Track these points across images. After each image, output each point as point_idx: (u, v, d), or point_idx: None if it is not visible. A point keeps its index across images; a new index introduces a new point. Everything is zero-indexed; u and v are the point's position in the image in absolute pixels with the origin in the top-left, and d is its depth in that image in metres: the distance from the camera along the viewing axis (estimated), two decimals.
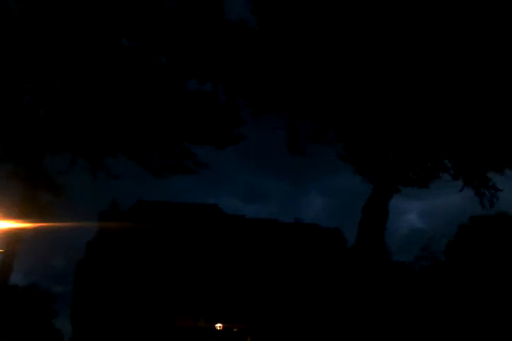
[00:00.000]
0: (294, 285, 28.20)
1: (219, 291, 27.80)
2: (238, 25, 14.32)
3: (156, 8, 14.52)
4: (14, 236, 15.64)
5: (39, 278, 43.86)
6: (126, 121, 15.69)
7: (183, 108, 15.90)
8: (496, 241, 33.14)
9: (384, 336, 15.77)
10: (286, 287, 28.21)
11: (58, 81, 15.76)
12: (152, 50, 15.12)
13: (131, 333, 26.12)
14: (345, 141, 15.77)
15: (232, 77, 14.92)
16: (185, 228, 28.84)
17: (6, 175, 17.20)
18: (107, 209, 29.38)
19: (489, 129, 13.98)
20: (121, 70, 15.09)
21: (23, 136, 15.61)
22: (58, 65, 14.92)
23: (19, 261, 17.92)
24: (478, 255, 32.98)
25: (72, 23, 14.10)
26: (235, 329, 29.36)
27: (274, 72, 14.20)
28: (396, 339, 21.33)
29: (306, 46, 13.59)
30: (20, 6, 14.42)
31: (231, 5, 15.33)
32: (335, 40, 13.18)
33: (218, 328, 28.22)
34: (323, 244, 30.78)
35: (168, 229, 28.54)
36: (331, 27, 13.22)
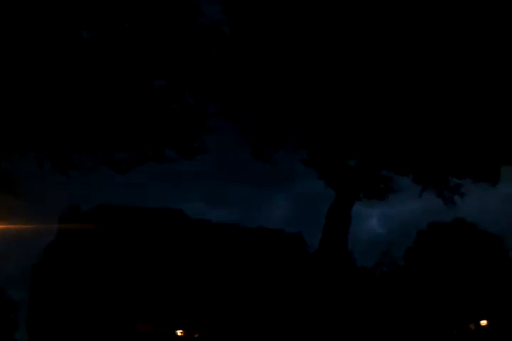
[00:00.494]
0: (256, 290, 28.19)
1: (180, 296, 27.46)
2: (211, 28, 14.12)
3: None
4: None
5: None
6: (91, 118, 15.18)
7: (149, 110, 15.51)
8: (453, 247, 34.20)
9: (346, 339, 15.96)
10: (249, 292, 28.16)
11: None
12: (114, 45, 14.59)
13: (90, 339, 25.46)
14: (308, 147, 15.93)
15: (199, 80, 14.74)
16: (147, 232, 28.40)
17: None
18: (66, 213, 28.69)
19: (449, 140, 14.41)
20: (83, 65, 14.58)
21: None
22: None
23: None
24: (436, 260, 33.91)
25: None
26: (196, 336, 29.04)
27: (240, 76, 14.17)
28: None
29: (273, 52, 13.61)
30: None
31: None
32: (303, 48, 13.24)
33: (179, 334, 27.89)
34: (286, 248, 30.97)
35: (129, 234, 28.02)
36: (298, 35, 13.30)
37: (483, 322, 31.63)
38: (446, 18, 12.30)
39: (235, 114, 15.03)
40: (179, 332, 27.67)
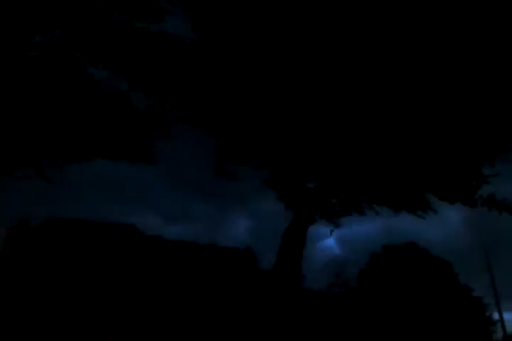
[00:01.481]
0: (207, 307, 27.63)
1: (127, 313, 26.52)
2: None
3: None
4: None
5: None
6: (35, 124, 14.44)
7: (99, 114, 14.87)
8: (405, 270, 34.88)
9: None
10: (199, 310, 27.56)
11: None
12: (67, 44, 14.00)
13: None
14: (268, 168, 15.92)
15: (159, 86, 14.34)
16: (97, 247, 27.42)
17: None
18: (14, 225, 27.40)
19: (402, 169, 14.70)
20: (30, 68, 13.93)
21: None
22: None
23: None
24: (388, 283, 34.43)
25: None
26: None
27: (203, 95, 13.95)
28: None
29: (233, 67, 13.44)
30: None
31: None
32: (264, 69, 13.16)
33: None
34: (238, 265, 30.70)
35: (78, 248, 26.97)
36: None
37: None
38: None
39: (195, 128, 14.79)
40: None
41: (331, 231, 17.34)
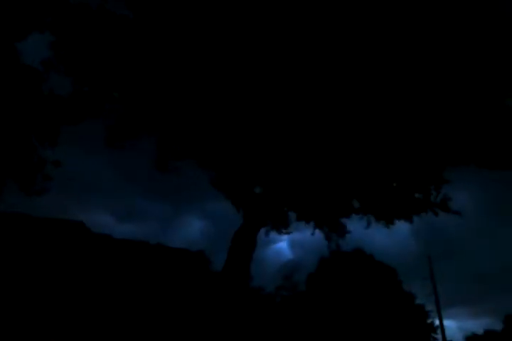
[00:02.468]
0: (156, 309, 27.21)
1: (73, 313, 25.72)
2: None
3: None
4: None
5: None
6: None
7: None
8: (351, 275, 35.68)
9: None
10: (148, 311, 27.10)
11: None
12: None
13: None
14: (216, 170, 15.91)
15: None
16: (42, 243, 26.44)
17: None
18: None
19: (339, 181, 15.09)
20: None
21: None
22: None
23: None
24: (335, 288, 35.10)
25: None
26: None
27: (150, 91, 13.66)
28: None
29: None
30: None
31: None
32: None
33: None
34: (189, 267, 30.40)
35: (23, 244, 25.92)
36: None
37: None
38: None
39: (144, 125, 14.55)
40: None
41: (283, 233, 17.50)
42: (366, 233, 17.47)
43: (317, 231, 17.09)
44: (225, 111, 13.63)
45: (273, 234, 17.51)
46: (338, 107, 13.14)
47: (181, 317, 25.78)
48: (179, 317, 25.97)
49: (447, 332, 35.14)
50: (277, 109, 13.41)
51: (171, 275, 28.47)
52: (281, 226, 17.41)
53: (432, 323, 38.25)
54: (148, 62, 13.03)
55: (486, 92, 13.37)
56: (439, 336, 37.04)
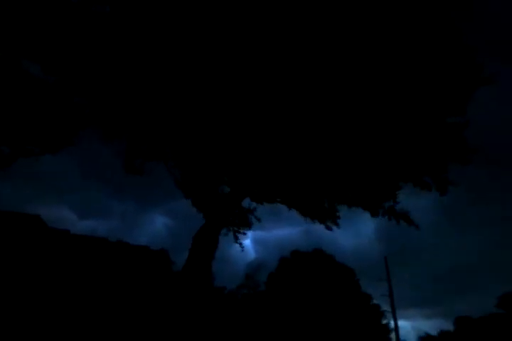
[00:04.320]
0: (113, 307, 26.69)
1: (25, 310, 24.87)
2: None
3: None
4: None
5: None
6: None
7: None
8: (310, 274, 36.13)
9: None
10: (104, 309, 26.54)
11: None
12: None
13: None
14: (181, 169, 15.76)
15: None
16: None
17: None
18: None
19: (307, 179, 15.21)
20: None
21: None
22: None
23: None
24: (294, 287, 35.45)
25: None
26: None
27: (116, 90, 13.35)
28: None
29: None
30: None
31: None
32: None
33: None
34: (150, 265, 29.99)
35: None
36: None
37: None
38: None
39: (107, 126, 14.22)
40: None
41: (239, 241, 17.54)
42: (332, 234, 17.71)
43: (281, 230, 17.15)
44: (191, 111, 13.51)
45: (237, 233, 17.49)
46: (305, 110, 13.23)
47: (139, 315, 25.41)
48: (137, 316, 25.59)
49: (401, 332, 36.11)
50: (243, 110, 13.40)
51: (130, 273, 27.99)
52: (243, 226, 17.44)
53: (387, 323, 39.19)
54: (117, 61, 12.76)
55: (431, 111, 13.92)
56: (393, 335, 38.10)
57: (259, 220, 17.34)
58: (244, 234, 17.56)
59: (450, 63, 13.41)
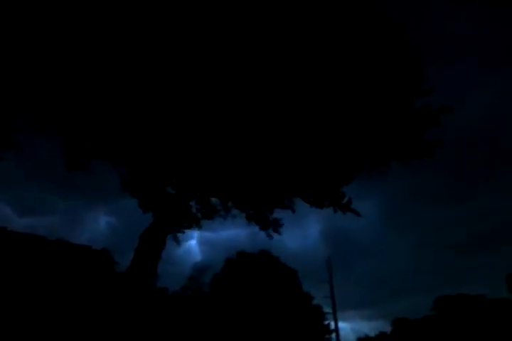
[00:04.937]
0: (49, 307, 25.63)
1: None
2: None
3: None
4: None
5: None
6: None
7: None
8: (255, 276, 36.35)
9: None
10: (36, 309, 25.44)
11: None
12: None
13: None
14: (129, 168, 15.37)
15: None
16: None
17: None
18: None
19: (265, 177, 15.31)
20: None
21: None
22: None
23: None
24: (239, 288, 35.52)
25: None
26: None
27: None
28: None
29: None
30: None
31: None
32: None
33: None
34: (90, 265, 29.10)
35: None
36: None
37: None
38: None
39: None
40: None
41: (178, 241, 17.36)
42: (280, 237, 17.84)
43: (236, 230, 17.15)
44: (135, 110, 13.25)
45: (186, 233, 17.27)
46: (243, 108, 13.30)
47: (76, 316, 24.54)
48: (73, 316, 24.69)
49: (341, 333, 37.14)
50: (182, 110, 13.31)
51: (68, 273, 26.97)
52: (189, 226, 17.23)
53: (328, 324, 40.08)
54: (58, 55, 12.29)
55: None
56: (334, 336, 38.96)
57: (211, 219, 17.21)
58: (183, 232, 17.28)
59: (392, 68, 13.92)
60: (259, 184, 15.64)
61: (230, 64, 12.57)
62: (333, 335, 38.20)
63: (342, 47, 12.92)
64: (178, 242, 17.21)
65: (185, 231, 17.43)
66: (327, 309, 39.41)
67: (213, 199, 17.28)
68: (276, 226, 17.11)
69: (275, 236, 17.29)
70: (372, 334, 54.35)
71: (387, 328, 60.99)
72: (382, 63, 13.79)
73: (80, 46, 12.15)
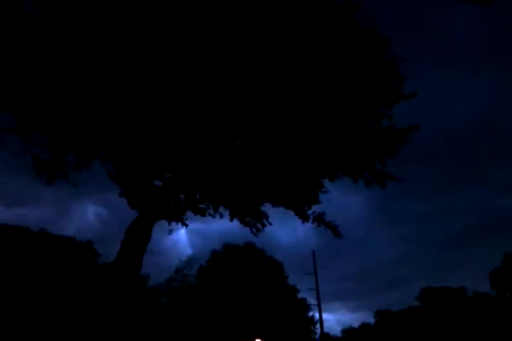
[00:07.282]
0: (39, 296, 25.30)
1: None
2: None
3: None
4: None
5: None
6: None
7: None
8: (241, 268, 36.39)
9: None
10: (20, 301, 25.08)
11: None
12: None
13: None
14: (114, 162, 15.09)
15: None
16: None
17: None
18: None
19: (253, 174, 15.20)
20: None
21: None
22: None
23: None
24: (225, 279, 35.55)
25: None
26: None
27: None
28: None
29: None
30: None
31: None
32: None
33: None
34: (73, 257, 28.81)
35: None
36: None
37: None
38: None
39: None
40: None
41: (170, 230, 17.21)
42: (271, 228, 17.71)
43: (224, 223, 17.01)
44: (122, 104, 13.01)
45: (172, 225, 17.04)
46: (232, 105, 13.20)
47: (56, 307, 24.25)
48: (53, 308, 24.40)
49: (326, 325, 37.54)
50: (172, 105, 13.14)
51: (48, 265, 26.60)
52: (177, 219, 17.06)
53: (313, 316, 40.44)
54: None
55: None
56: (318, 327, 39.35)
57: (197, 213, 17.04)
58: (186, 225, 17.09)
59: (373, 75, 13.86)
60: (238, 184, 15.58)
61: (213, 65, 12.46)
62: (318, 326, 38.71)
63: (319, 53, 12.88)
64: (169, 231, 17.07)
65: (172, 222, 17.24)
66: (312, 301, 39.80)
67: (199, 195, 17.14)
68: (262, 219, 16.95)
69: (267, 228, 17.20)
70: (356, 325, 55.21)
71: (371, 319, 62.01)
72: (358, 68, 13.72)
73: (68, 42, 11.89)
